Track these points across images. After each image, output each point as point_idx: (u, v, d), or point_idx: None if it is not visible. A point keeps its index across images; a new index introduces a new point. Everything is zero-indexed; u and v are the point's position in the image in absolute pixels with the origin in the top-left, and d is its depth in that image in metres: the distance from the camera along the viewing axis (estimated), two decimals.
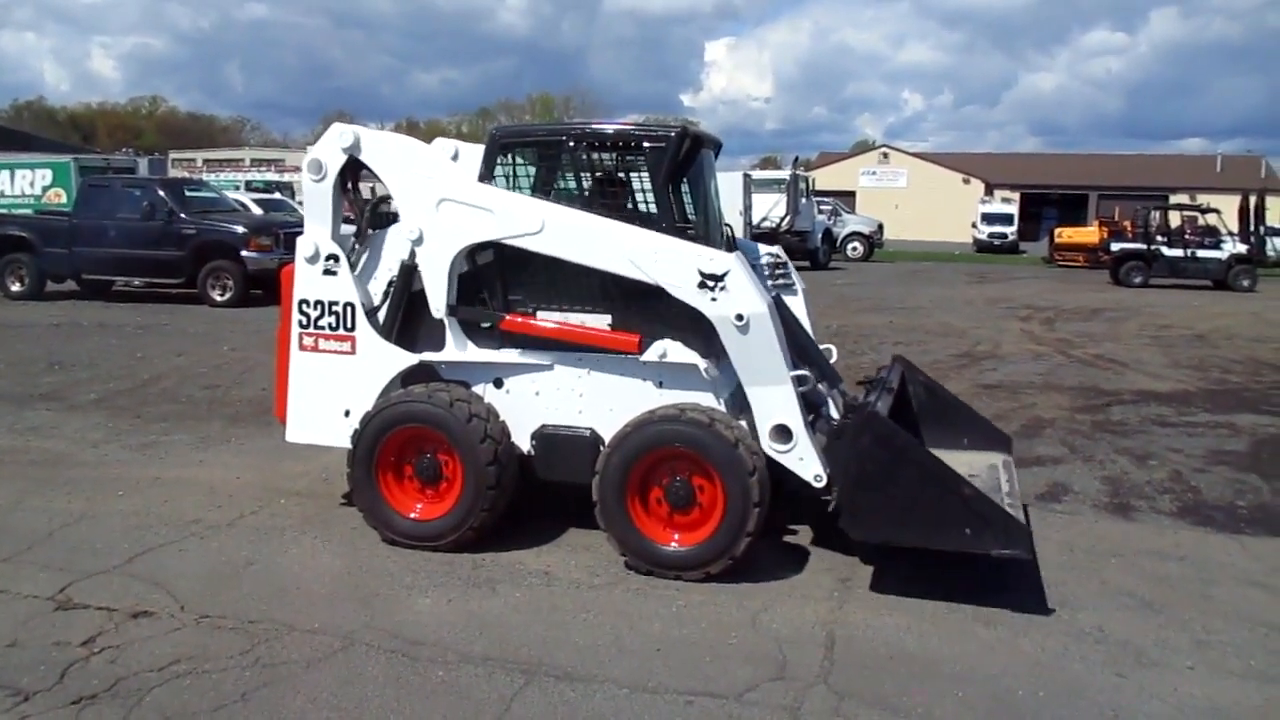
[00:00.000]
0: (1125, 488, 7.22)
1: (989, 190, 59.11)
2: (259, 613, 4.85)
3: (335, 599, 5.04)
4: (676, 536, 5.20)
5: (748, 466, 4.97)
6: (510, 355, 5.71)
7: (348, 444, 5.68)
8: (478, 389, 5.76)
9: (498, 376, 5.74)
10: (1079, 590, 5.20)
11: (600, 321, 5.54)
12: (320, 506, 6.48)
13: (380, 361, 5.81)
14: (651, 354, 5.41)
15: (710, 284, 5.07)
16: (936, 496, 4.78)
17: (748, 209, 22.60)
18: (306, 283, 5.88)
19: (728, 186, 16.13)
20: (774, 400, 5.16)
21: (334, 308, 5.79)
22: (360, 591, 5.14)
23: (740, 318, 5.08)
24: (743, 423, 5.26)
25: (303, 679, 4.22)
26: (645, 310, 5.44)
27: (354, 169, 5.90)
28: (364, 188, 6.22)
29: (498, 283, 5.67)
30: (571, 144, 5.64)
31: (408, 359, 5.82)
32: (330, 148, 5.82)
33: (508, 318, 5.65)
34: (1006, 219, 49.06)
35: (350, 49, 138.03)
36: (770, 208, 28.56)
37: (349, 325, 5.78)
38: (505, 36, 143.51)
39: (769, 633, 4.64)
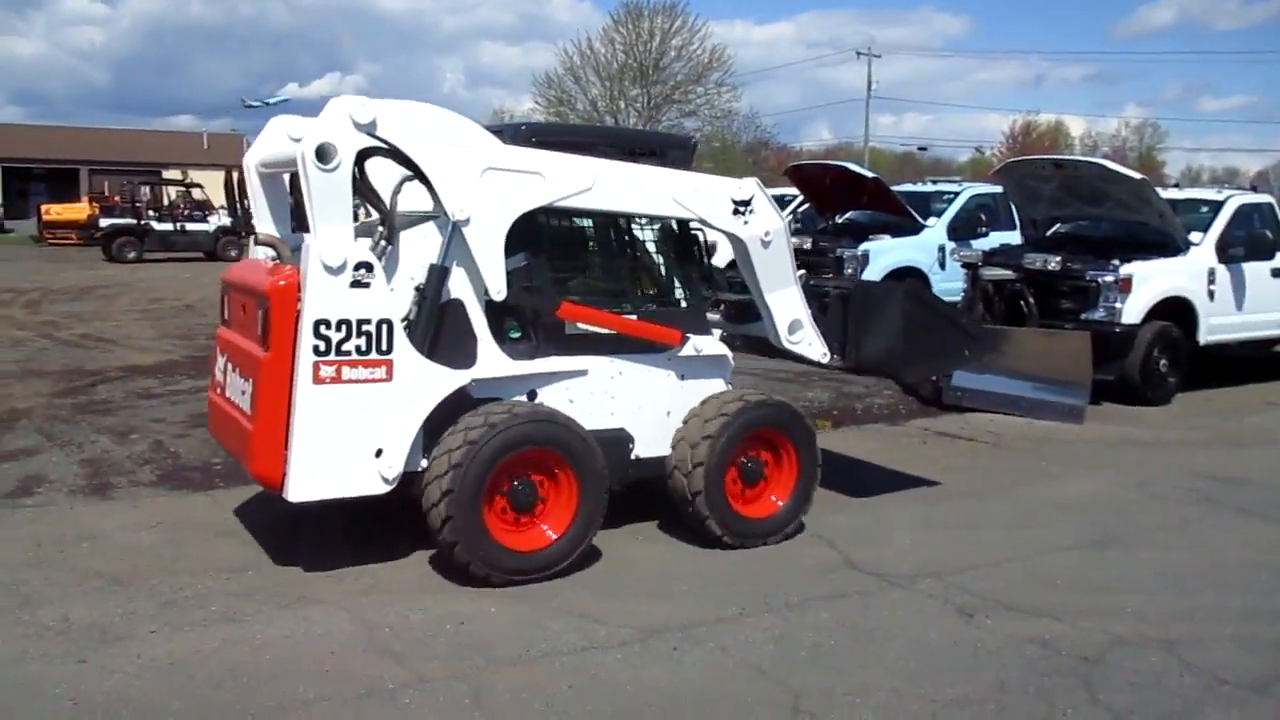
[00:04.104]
0: (105, 467, 6.96)
1: None
2: None
3: None
4: (774, 499, 5.58)
5: (814, 436, 5.70)
6: (549, 364, 5.24)
7: (376, 491, 4.74)
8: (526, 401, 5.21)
9: (531, 388, 5.20)
10: (45, 585, 4.87)
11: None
12: None
13: (426, 386, 4.82)
14: (689, 348, 5.54)
15: (741, 209, 5.54)
16: (949, 331, 6.22)
17: None
18: (327, 299, 4.59)
19: None
20: (788, 300, 5.78)
21: (365, 327, 4.65)
22: None
23: (767, 234, 5.60)
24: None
25: None
26: (669, 306, 5.69)
27: (367, 154, 4.73)
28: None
29: (530, 274, 5.22)
30: (603, 146, 5.68)
31: (456, 379, 4.90)
32: (341, 127, 4.60)
33: (562, 304, 5.20)
34: None
35: None
36: None
37: (384, 347, 4.70)
38: None
39: None
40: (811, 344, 5.90)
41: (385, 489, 4.76)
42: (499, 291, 4.97)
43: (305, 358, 4.57)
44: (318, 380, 4.59)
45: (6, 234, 41.66)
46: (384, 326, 4.69)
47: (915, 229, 13.36)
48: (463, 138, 4.94)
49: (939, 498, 6.68)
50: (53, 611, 4.55)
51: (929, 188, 15.59)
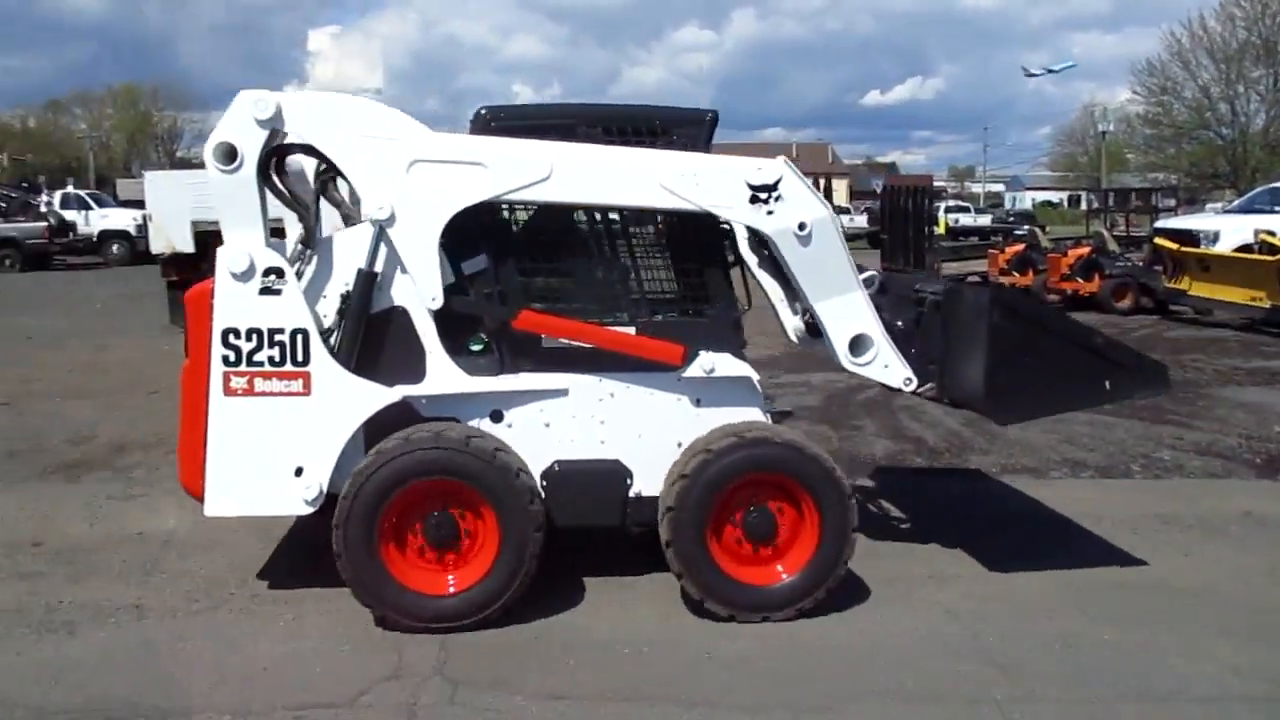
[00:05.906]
0: None
1: None
2: None
3: None
4: (780, 568, 4.58)
5: (846, 490, 4.53)
6: (515, 381, 4.67)
7: (296, 511, 4.56)
8: (470, 425, 4.66)
9: (496, 408, 4.67)
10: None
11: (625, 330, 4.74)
12: None
13: (348, 402, 4.48)
14: (696, 368, 4.68)
15: (764, 196, 4.54)
16: (1074, 355, 4.67)
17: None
18: (235, 307, 4.43)
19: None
20: (847, 310, 4.68)
21: (278, 337, 4.43)
22: None
23: (802, 226, 4.55)
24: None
25: None
26: (680, 316, 4.78)
27: (280, 152, 4.63)
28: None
29: (495, 278, 4.68)
30: (584, 129, 4.75)
31: (385, 395, 4.50)
32: (242, 125, 4.39)
33: (521, 313, 4.59)
34: None
35: None
36: None
37: (300, 359, 4.44)
38: (77, 20, 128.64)
39: (385, 635, 4.48)
40: (888, 365, 4.69)
41: (307, 510, 4.46)
42: (434, 299, 4.50)
43: (216, 368, 4.42)
44: (229, 392, 4.42)
45: None
46: (299, 336, 4.42)
47: None
48: (383, 128, 4.50)
49: None
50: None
51: None
